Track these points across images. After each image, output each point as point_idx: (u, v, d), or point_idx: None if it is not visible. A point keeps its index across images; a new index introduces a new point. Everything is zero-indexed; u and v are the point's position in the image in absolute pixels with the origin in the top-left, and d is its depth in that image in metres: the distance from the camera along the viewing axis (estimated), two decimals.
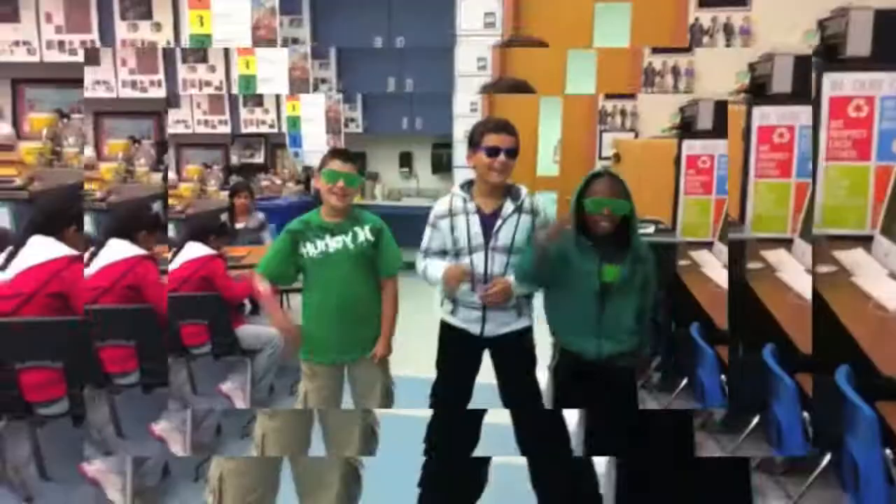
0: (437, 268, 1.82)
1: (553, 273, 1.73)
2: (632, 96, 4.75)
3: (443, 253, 1.85)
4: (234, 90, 4.83)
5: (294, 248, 1.82)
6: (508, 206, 1.79)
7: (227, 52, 4.77)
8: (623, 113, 4.77)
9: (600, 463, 1.89)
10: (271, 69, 4.41)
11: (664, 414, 2.23)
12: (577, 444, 1.92)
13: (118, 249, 2.25)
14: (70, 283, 1.92)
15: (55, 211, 2.10)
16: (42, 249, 1.97)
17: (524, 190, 1.83)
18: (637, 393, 1.89)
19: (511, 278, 1.78)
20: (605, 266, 1.70)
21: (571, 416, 2.09)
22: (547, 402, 1.90)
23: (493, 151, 1.73)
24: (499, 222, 1.78)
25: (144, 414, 2.32)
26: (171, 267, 2.61)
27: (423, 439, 1.88)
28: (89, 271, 2.18)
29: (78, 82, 5.13)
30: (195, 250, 2.69)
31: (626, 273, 1.70)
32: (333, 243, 1.81)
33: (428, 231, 1.85)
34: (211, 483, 1.77)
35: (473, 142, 1.78)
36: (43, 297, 1.90)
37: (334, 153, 1.86)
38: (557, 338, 1.82)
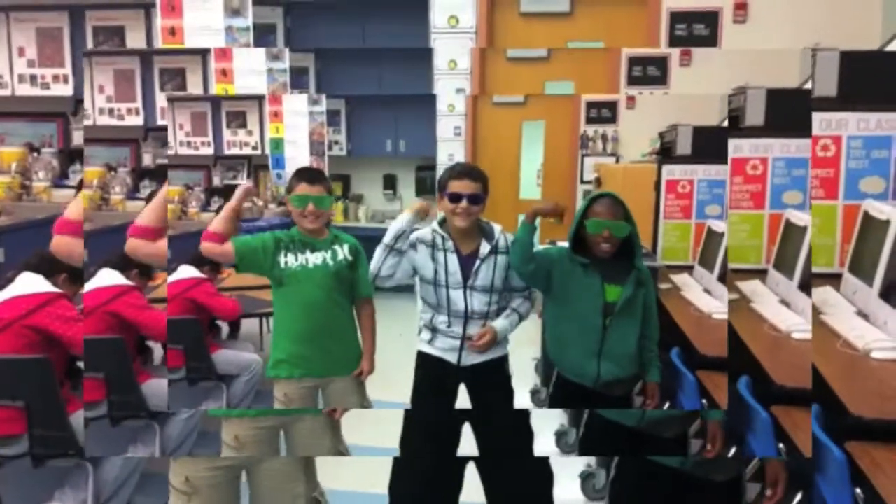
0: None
1: (546, 277, 1.76)
2: (613, 121, 4.85)
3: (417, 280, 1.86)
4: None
5: (275, 247, 1.77)
6: (485, 247, 1.81)
7: (205, 78, 4.78)
8: (604, 138, 4.83)
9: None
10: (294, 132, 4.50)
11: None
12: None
13: (107, 278, 2.26)
14: (55, 318, 1.88)
15: (53, 257, 2.05)
16: (30, 284, 1.94)
17: (497, 228, 1.86)
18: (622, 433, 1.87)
19: (496, 325, 1.80)
20: (607, 285, 1.73)
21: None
22: (537, 426, 1.90)
23: (455, 197, 1.77)
24: (477, 262, 1.80)
25: (112, 447, 2.20)
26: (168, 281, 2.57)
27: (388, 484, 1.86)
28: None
29: (50, 116, 5.11)
30: (187, 272, 2.70)
31: (629, 294, 1.72)
32: (314, 258, 1.80)
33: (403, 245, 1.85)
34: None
35: (440, 187, 1.83)
36: (20, 327, 1.85)
37: (300, 176, 1.83)
38: (556, 363, 1.82)
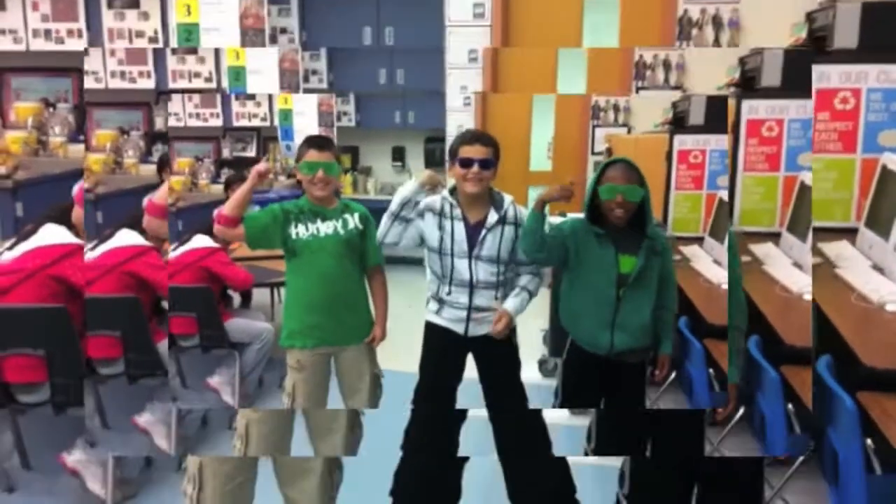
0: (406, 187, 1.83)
1: (563, 254, 1.74)
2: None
3: (426, 248, 1.85)
4: (224, 82, 4.80)
5: (284, 219, 1.80)
6: (492, 216, 1.80)
7: (217, 50, 4.76)
8: (616, 108, 4.76)
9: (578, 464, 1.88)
10: (261, 61, 4.39)
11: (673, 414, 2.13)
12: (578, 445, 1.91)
13: (126, 238, 2.34)
14: (77, 269, 1.99)
15: (71, 206, 2.16)
16: (53, 234, 2.04)
17: (508, 199, 1.84)
18: (644, 392, 1.88)
19: (509, 307, 1.79)
20: (621, 256, 1.70)
21: (562, 415, 2.08)
22: (545, 397, 1.90)
23: (466, 163, 1.76)
24: (483, 232, 1.79)
25: (130, 405, 2.29)
26: (174, 254, 2.66)
27: (400, 445, 1.88)
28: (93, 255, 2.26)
29: (64, 71, 5.08)
30: (201, 241, 2.75)
31: (642, 264, 1.70)
32: (325, 227, 1.82)
33: (410, 214, 1.83)
34: (239, 430, 1.80)
35: (451, 154, 1.81)
36: (44, 277, 1.95)
37: (309, 142, 1.84)
38: (570, 332, 1.81)
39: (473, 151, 1.75)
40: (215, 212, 1.80)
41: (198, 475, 1.70)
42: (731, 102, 2.58)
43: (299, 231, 1.80)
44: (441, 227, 1.79)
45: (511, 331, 1.86)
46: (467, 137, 1.80)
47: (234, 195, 1.76)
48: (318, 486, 1.82)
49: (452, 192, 1.83)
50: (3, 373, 1.85)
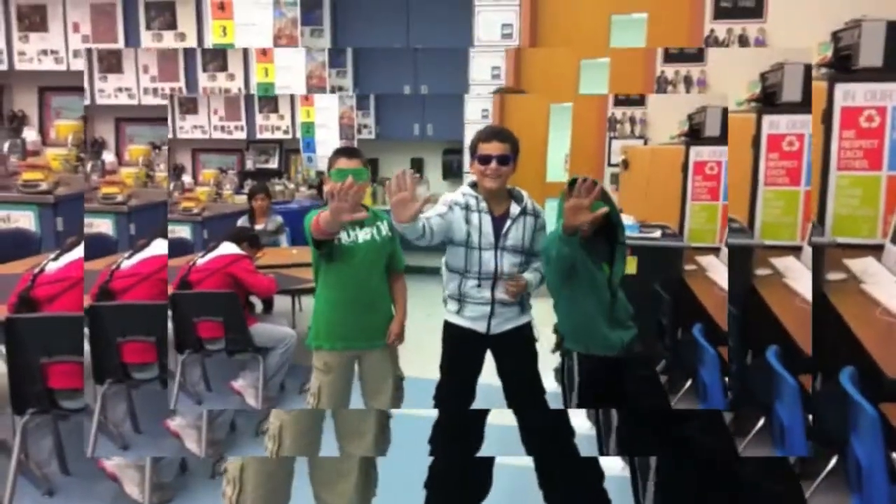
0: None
1: (570, 274, 1.77)
2: (641, 103, 4.79)
3: (451, 242, 1.86)
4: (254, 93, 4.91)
5: None
6: (515, 208, 1.84)
7: (245, 60, 4.88)
8: (632, 120, 4.80)
9: (607, 462, 1.91)
10: (289, 77, 4.50)
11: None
12: (607, 446, 1.93)
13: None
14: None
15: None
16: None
17: (525, 193, 1.89)
18: (663, 388, 1.90)
19: (526, 275, 1.84)
20: (604, 262, 1.78)
21: (583, 414, 2.10)
22: (557, 402, 1.94)
23: (484, 159, 1.80)
24: (508, 223, 1.83)
25: (161, 409, 2.37)
26: (201, 260, 2.80)
27: (428, 440, 1.91)
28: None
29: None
30: (228, 248, 2.86)
31: (619, 267, 1.78)
32: (363, 234, 1.87)
33: (441, 208, 1.83)
34: (272, 431, 1.85)
35: (471, 151, 1.86)
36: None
37: (339, 152, 1.92)
38: (581, 343, 1.81)
39: (491, 148, 1.79)
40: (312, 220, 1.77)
41: (238, 477, 1.75)
42: (745, 117, 2.62)
43: (340, 236, 1.83)
44: (468, 221, 1.81)
45: (529, 325, 1.89)
46: (485, 134, 1.83)
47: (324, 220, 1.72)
48: (372, 444, 1.89)
49: (474, 186, 1.86)
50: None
